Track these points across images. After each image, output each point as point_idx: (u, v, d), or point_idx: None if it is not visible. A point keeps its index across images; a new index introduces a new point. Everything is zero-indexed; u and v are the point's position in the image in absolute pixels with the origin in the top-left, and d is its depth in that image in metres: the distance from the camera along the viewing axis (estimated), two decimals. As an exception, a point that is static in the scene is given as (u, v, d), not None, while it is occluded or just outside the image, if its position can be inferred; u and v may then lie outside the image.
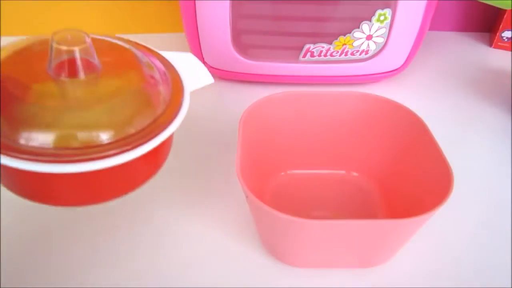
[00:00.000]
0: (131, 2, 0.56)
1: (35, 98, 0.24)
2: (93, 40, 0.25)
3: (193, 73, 0.30)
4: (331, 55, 0.45)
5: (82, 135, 0.23)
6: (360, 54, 0.45)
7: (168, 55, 0.31)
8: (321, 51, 0.45)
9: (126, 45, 0.29)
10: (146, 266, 0.30)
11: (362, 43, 0.44)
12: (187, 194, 0.36)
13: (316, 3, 0.41)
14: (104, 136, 0.23)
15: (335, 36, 0.44)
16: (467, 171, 0.38)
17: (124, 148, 0.23)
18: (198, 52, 0.47)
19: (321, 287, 0.29)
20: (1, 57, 0.26)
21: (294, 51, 0.45)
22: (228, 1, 0.41)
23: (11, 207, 0.34)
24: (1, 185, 0.27)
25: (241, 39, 0.44)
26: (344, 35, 0.44)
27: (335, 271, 0.30)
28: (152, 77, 0.27)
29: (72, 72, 0.24)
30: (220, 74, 0.48)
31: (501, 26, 0.57)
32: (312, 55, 0.45)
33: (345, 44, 0.44)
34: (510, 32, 0.57)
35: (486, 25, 0.62)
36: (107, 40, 0.30)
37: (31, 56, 0.27)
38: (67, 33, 0.24)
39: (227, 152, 0.39)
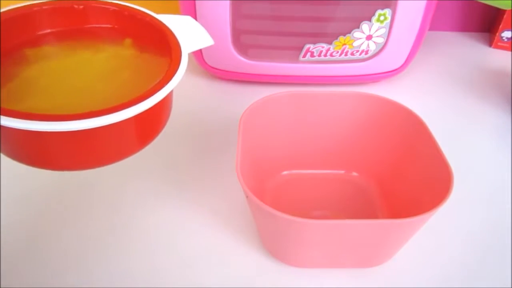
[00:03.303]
0: (130, 2, 0.56)
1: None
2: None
3: (192, 36, 0.29)
4: (331, 55, 0.45)
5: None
6: (360, 54, 0.45)
7: (165, 18, 0.30)
8: (321, 51, 0.45)
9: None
10: (145, 266, 0.30)
11: (362, 43, 0.44)
12: (187, 193, 0.36)
13: (316, 3, 0.41)
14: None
15: (335, 36, 0.44)
16: (467, 171, 0.38)
17: (117, 108, 0.22)
18: (198, 52, 0.47)
19: (321, 287, 0.29)
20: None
21: (294, 51, 0.45)
22: (228, 1, 0.41)
23: (10, 206, 0.34)
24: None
25: (241, 39, 0.44)
26: (344, 35, 0.44)
27: (335, 271, 0.30)
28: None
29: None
30: (220, 74, 0.48)
31: (501, 26, 0.57)
32: (312, 55, 0.45)
33: (345, 44, 0.44)
34: (510, 32, 0.57)
35: (486, 25, 0.62)
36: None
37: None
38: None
39: (227, 152, 0.39)
